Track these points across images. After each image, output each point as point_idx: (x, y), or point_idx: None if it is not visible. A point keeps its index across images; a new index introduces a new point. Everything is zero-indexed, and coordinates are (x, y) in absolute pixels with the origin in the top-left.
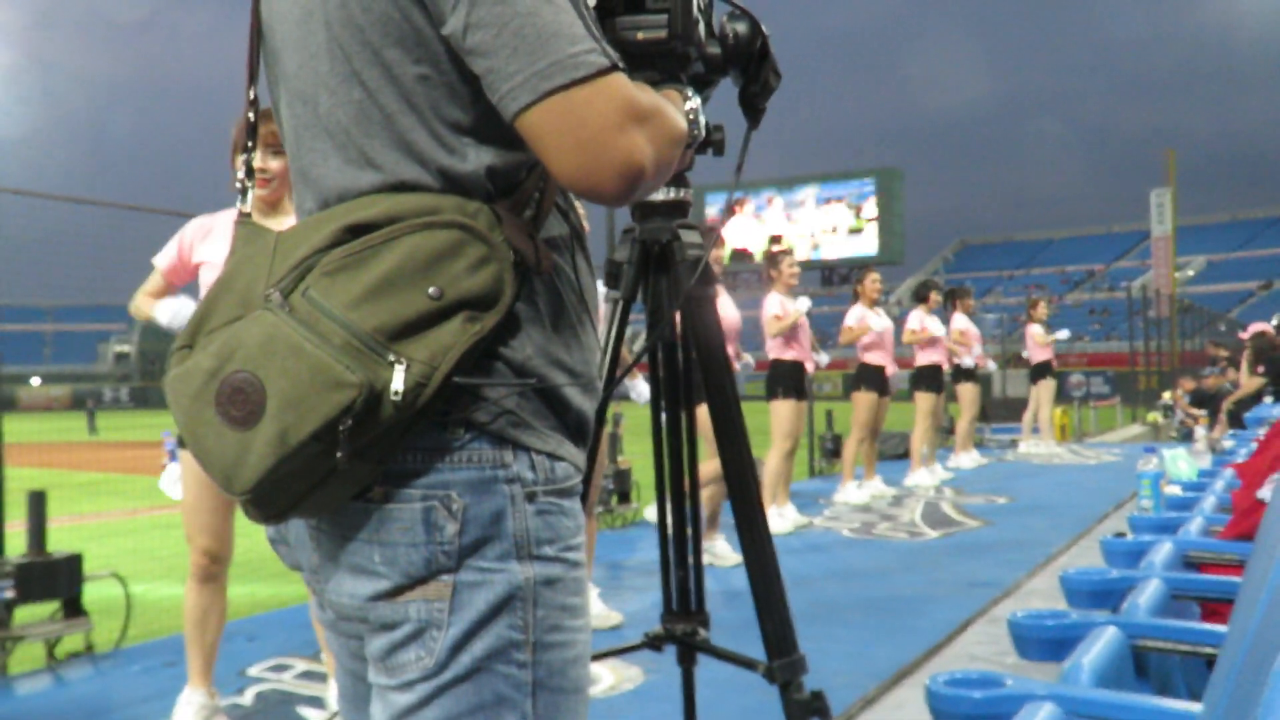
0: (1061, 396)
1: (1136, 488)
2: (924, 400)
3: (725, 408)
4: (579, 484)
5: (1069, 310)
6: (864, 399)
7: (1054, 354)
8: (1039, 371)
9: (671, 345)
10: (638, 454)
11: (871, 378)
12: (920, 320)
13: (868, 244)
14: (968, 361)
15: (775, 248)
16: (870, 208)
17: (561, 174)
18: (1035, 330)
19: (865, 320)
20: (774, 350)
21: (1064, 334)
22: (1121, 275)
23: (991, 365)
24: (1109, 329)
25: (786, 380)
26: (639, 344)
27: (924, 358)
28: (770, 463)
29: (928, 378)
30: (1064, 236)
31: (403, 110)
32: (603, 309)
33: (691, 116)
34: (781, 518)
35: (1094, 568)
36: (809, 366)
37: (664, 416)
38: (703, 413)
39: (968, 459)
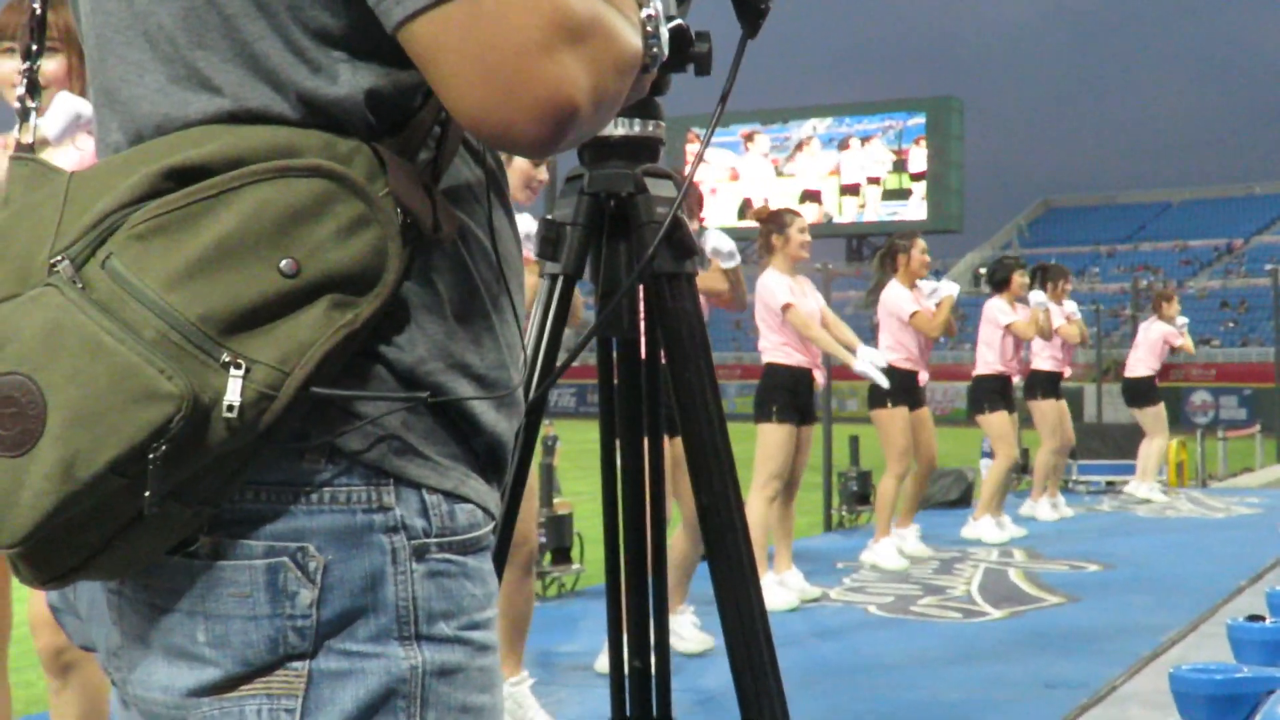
0: (1179, 423)
1: None
2: (1046, 412)
3: (702, 433)
4: (490, 535)
5: (1191, 302)
6: (892, 417)
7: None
8: (1141, 391)
9: (630, 343)
10: (583, 494)
11: (900, 387)
12: (1003, 310)
13: (913, 206)
14: (1046, 365)
15: (774, 212)
16: (918, 157)
17: (461, 111)
18: (1164, 332)
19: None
20: (771, 352)
21: (1181, 324)
22: (1266, 254)
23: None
24: (1247, 329)
25: (782, 394)
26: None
27: (1040, 360)
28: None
29: (1043, 385)
30: (1186, 199)
31: (249, 11)
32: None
33: (649, 28)
34: (783, 587)
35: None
36: (819, 377)
37: (620, 443)
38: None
39: (1047, 508)
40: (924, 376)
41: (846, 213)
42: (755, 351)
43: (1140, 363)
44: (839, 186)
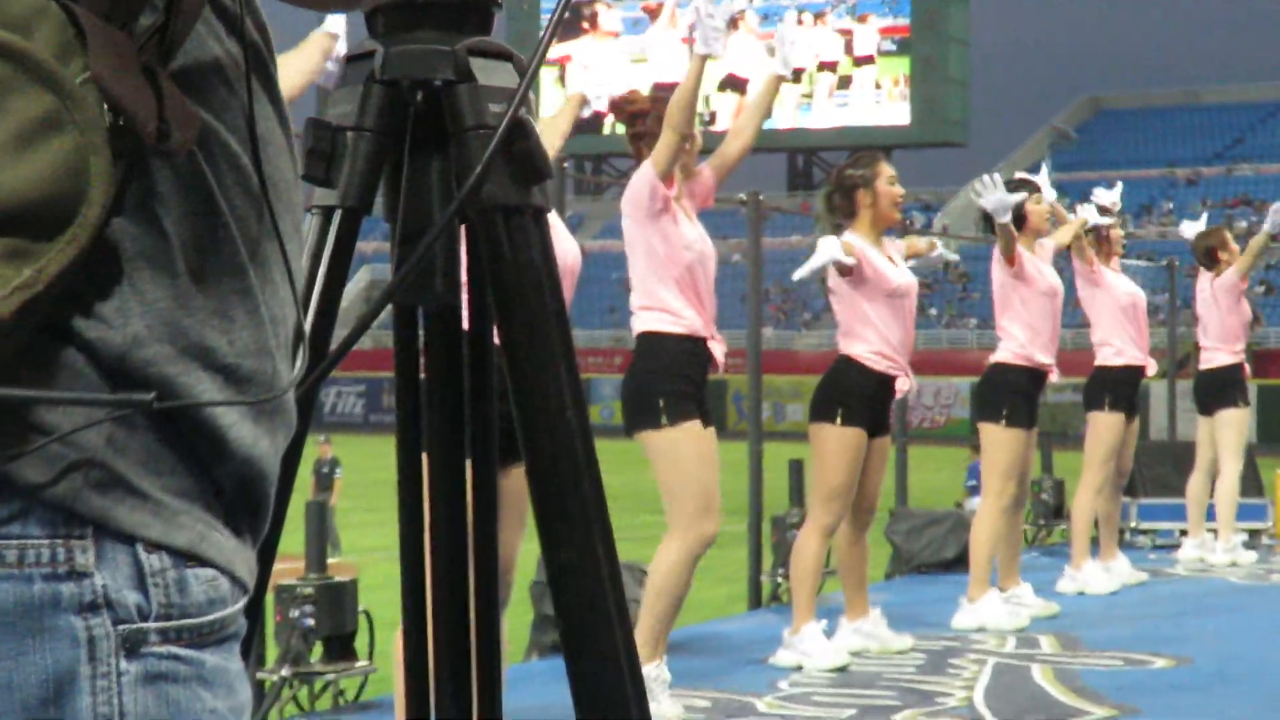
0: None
1: None
2: (1104, 430)
3: (556, 452)
4: (239, 616)
5: None
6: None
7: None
8: (1219, 387)
9: (446, 315)
10: (376, 551)
11: (861, 398)
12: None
13: (891, 105)
14: (1109, 354)
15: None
16: (898, 33)
17: None
18: (1234, 303)
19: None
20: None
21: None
22: None
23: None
24: None
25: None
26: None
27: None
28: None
29: (1108, 384)
30: None
31: None
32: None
33: None
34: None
35: None
36: (903, 387)
37: (430, 471)
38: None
39: (1100, 575)
40: (905, 383)
41: (787, 112)
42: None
43: (1218, 347)
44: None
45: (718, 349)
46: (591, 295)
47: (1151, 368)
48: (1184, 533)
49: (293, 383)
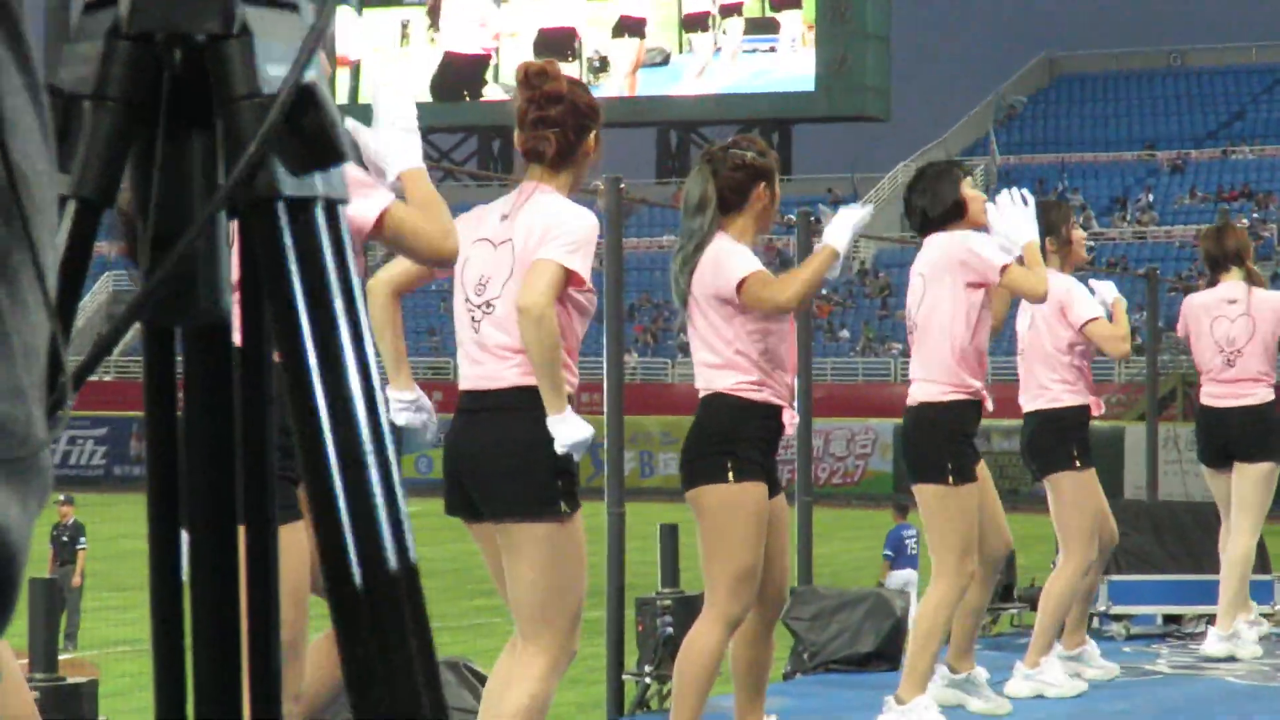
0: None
1: None
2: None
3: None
4: None
5: None
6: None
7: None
8: (1248, 433)
9: (212, 335)
10: (120, 646)
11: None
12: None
13: (791, 63)
14: (1066, 397)
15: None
16: (799, 19)
17: None
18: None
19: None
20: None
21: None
22: None
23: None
24: None
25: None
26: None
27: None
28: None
29: (1063, 429)
30: None
31: None
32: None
33: None
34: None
35: None
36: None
37: (193, 536)
38: None
39: (1058, 672)
40: (790, 417)
41: (655, 77)
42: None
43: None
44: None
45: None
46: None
47: (1097, 407)
48: (1172, 620)
49: (48, 439)
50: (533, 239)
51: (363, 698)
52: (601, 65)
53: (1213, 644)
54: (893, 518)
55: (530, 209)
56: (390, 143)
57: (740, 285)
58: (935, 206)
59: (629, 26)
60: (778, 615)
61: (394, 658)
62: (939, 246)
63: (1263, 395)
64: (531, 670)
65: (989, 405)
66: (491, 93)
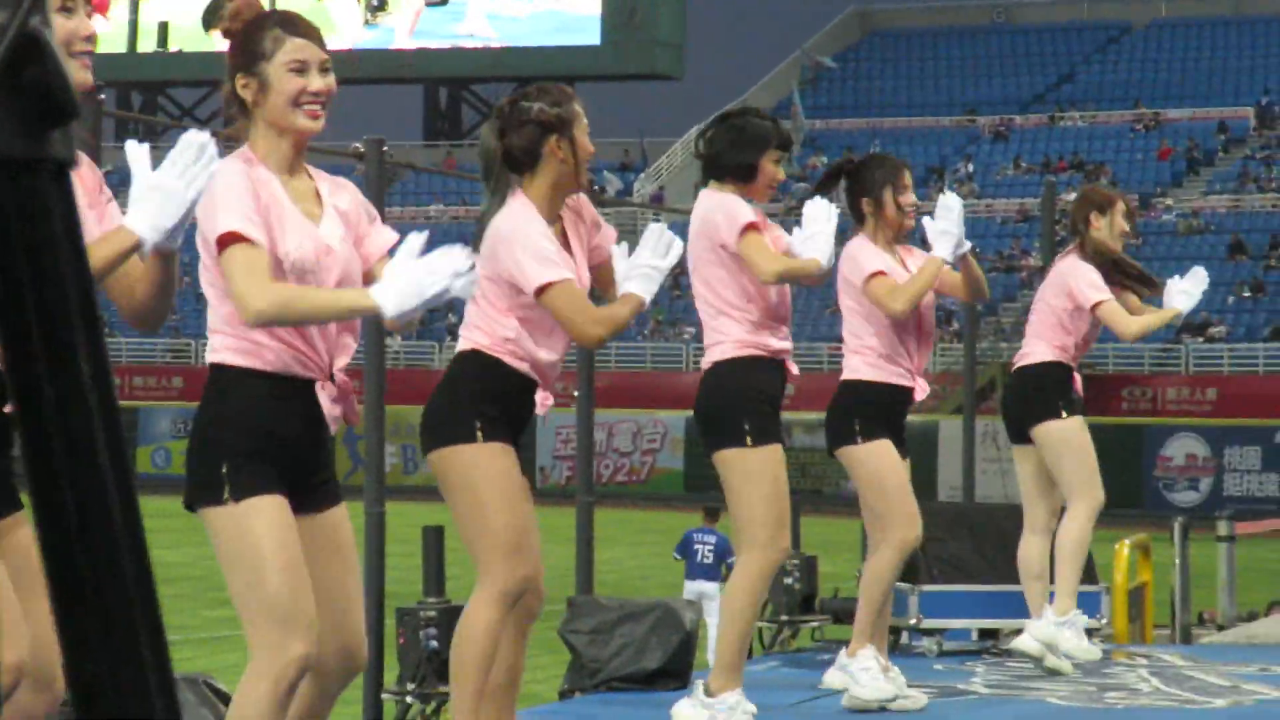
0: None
1: None
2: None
3: (85, 516)
4: None
5: (1162, 241)
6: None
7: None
8: (1037, 392)
9: None
10: None
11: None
12: (877, 255)
13: (576, 23)
14: (865, 371)
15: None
16: None
17: None
18: (1087, 282)
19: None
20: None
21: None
22: None
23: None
24: None
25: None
26: None
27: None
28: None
29: (866, 416)
30: (1163, 17)
31: None
32: None
33: None
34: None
35: None
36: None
37: None
38: None
39: (875, 672)
40: (544, 398)
41: (421, 24)
42: (200, 348)
43: (1040, 341)
44: None
45: None
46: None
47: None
48: (988, 635)
49: None
50: None
51: (91, 707)
52: (380, 3)
53: (1031, 641)
54: (704, 520)
55: None
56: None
57: (541, 290)
58: (731, 155)
59: None
60: (533, 616)
61: (125, 673)
62: (701, 205)
63: (1039, 355)
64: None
65: (793, 369)
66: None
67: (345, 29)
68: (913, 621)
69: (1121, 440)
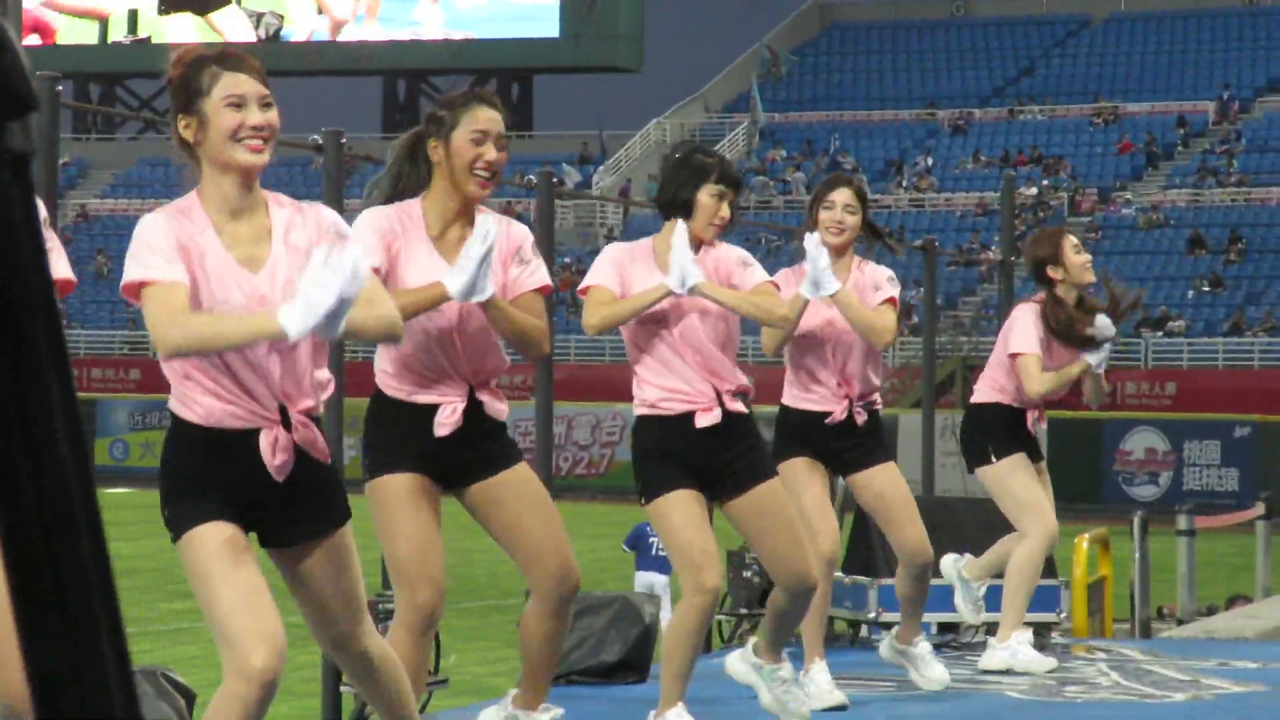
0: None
1: None
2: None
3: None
4: None
5: (1123, 234)
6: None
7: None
8: (985, 430)
9: None
10: None
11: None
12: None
13: (535, 15)
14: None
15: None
16: None
17: None
18: (1033, 323)
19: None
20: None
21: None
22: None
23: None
24: (1243, 295)
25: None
26: None
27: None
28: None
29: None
30: (1123, 11)
31: None
32: None
33: None
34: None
35: None
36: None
37: None
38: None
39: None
40: (447, 416)
41: (382, 17)
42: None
43: (984, 380)
44: None
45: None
46: (100, 282)
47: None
48: (947, 629)
49: None
50: None
51: (47, 710)
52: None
53: (997, 658)
54: None
55: None
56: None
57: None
58: (667, 191)
59: None
60: (561, 589)
61: (85, 665)
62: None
63: (980, 394)
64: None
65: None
66: (225, 19)
67: (300, 21)
68: (872, 615)
69: (1080, 434)
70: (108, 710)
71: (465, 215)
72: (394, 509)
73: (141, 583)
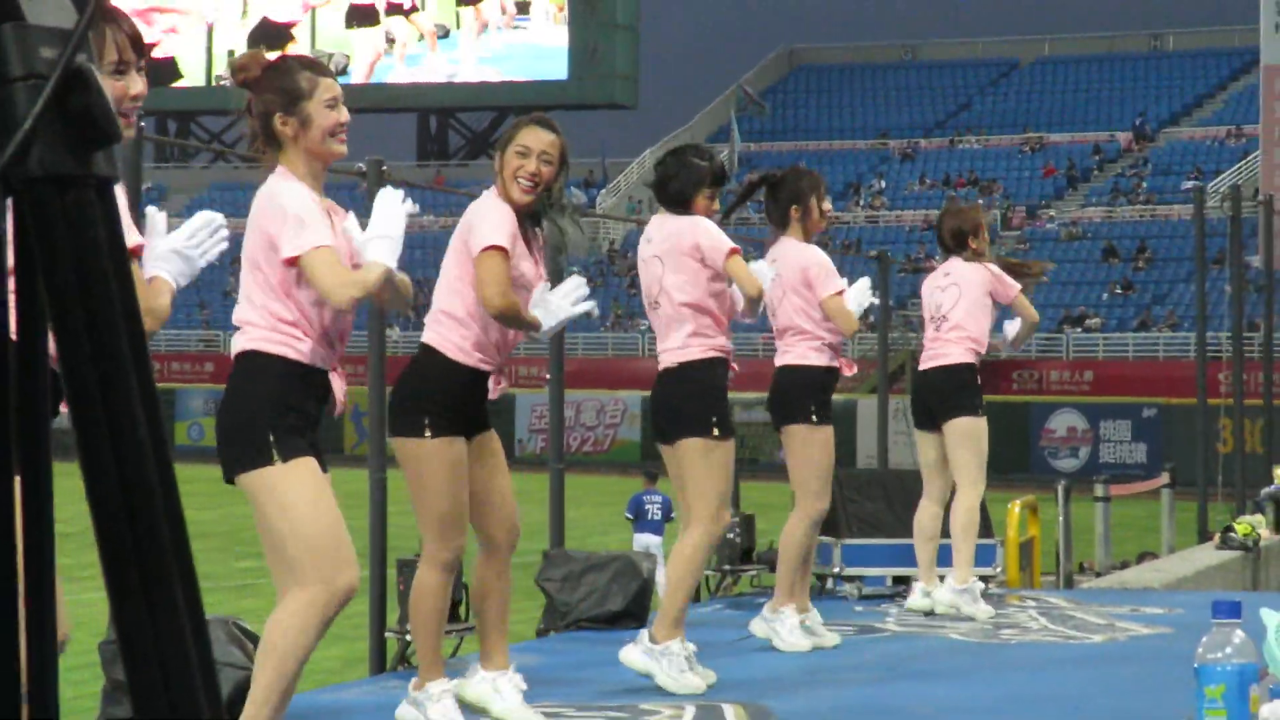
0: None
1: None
2: (801, 449)
3: (129, 491)
4: None
5: (1048, 246)
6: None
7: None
8: (951, 390)
9: None
10: None
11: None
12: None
13: (546, 58)
14: (812, 357)
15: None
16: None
17: None
18: (989, 280)
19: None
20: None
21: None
22: (1181, 154)
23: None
24: (1150, 297)
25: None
26: None
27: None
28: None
29: (803, 391)
30: (1048, 56)
31: None
32: None
33: None
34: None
35: None
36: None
37: None
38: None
39: (794, 630)
40: (496, 381)
41: (418, 62)
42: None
43: (955, 342)
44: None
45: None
46: (187, 288)
47: (849, 367)
48: (900, 581)
49: None
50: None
51: (133, 655)
52: (444, 32)
53: (920, 600)
54: (645, 484)
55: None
56: (371, 244)
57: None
58: (672, 186)
59: (360, 15)
60: (511, 538)
61: (164, 618)
62: (674, 231)
63: (958, 356)
64: (287, 608)
65: (734, 366)
66: None
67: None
68: (836, 570)
69: (1011, 415)
70: (183, 656)
71: (521, 214)
72: (452, 471)
73: (214, 545)
